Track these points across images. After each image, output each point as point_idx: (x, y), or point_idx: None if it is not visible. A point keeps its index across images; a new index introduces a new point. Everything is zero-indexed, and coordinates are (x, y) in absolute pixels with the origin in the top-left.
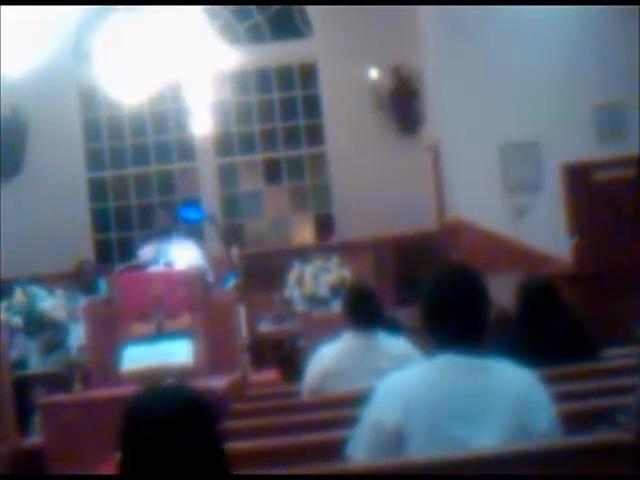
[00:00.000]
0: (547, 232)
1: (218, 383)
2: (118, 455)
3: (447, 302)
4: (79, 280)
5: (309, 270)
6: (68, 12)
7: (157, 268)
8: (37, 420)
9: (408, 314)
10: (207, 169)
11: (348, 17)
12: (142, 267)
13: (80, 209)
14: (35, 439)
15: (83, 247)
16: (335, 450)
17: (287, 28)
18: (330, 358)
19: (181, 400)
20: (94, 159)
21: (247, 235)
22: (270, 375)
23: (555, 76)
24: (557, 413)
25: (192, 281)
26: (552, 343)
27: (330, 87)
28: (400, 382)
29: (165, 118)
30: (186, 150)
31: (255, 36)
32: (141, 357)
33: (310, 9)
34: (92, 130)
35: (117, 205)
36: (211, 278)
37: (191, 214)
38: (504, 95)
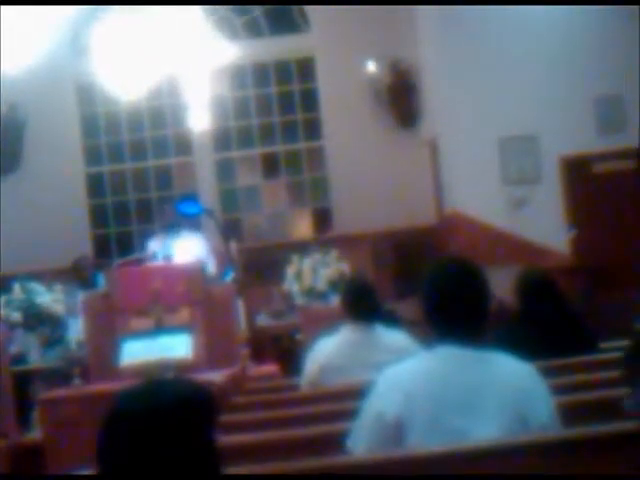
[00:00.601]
0: (546, 225)
1: (217, 377)
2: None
3: (447, 294)
4: (78, 275)
5: (307, 264)
6: (65, 8)
7: (156, 262)
8: (37, 415)
9: (406, 307)
10: (205, 164)
11: (345, 11)
12: (140, 261)
13: (78, 204)
14: (35, 434)
15: (81, 242)
16: (335, 443)
17: (284, 22)
18: (329, 351)
19: (168, 394)
20: (92, 154)
21: (245, 229)
22: (269, 369)
23: (554, 69)
24: (556, 405)
25: (191, 276)
26: (550, 335)
27: (328, 81)
28: (400, 374)
29: (163, 113)
30: (184, 145)
31: (252, 30)
32: (140, 352)
33: (308, 3)
34: (90, 125)
35: (115, 200)
36: (215, 270)
37: (189, 209)
38: (502, 88)
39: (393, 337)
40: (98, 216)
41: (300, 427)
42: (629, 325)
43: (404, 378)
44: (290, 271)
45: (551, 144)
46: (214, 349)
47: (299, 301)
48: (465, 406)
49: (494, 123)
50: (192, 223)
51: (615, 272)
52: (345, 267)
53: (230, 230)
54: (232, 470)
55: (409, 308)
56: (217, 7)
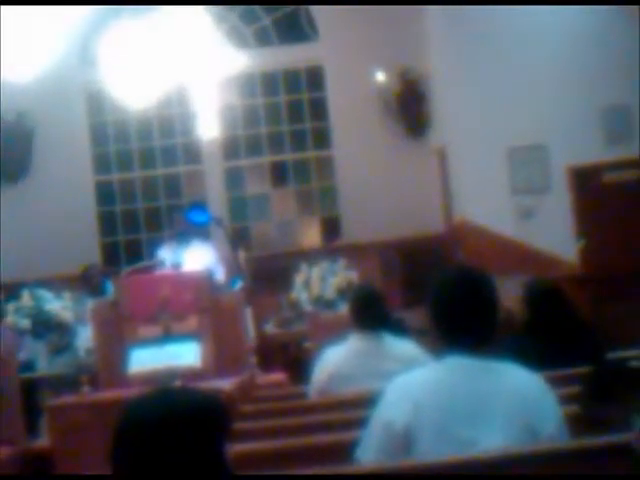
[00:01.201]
0: (554, 234)
1: (226, 385)
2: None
3: (455, 304)
4: (87, 283)
5: (316, 272)
6: (75, 16)
7: (165, 271)
8: (44, 422)
9: (414, 316)
10: (214, 172)
11: (355, 20)
12: (149, 269)
13: (87, 212)
14: (42, 441)
15: (90, 250)
16: (343, 451)
17: (294, 31)
18: (337, 360)
19: (178, 404)
20: (101, 163)
21: (254, 238)
22: (277, 377)
23: (562, 78)
24: (564, 415)
25: (199, 284)
26: (558, 345)
27: (337, 90)
28: (409, 383)
29: (172, 121)
30: (193, 153)
31: (262, 39)
32: (148, 359)
33: (317, 12)
34: (99, 134)
35: (124, 208)
36: (223, 279)
37: (198, 217)
38: (511, 98)
39: (401, 346)
40: (107, 224)
41: (308, 435)
42: (638, 335)
43: (413, 388)
44: (298, 279)
45: (560, 154)
46: (222, 357)
47: (307, 309)
48: (473, 416)
49: (502, 132)
50: (201, 232)
51: (623, 282)
52: (353, 276)
53: (239, 238)
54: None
55: (417, 317)
56: (227, 16)
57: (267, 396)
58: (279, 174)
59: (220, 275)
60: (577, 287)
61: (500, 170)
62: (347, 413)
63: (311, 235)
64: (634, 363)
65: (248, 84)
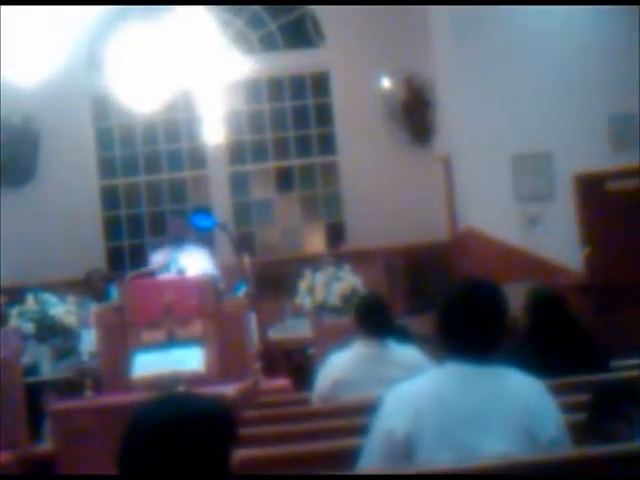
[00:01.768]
0: (559, 242)
1: (229, 390)
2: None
3: (459, 312)
4: (91, 287)
5: (320, 278)
6: (81, 21)
7: (169, 275)
8: (48, 426)
9: (419, 323)
10: (219, 177)
11: (361, 26)
12: (153, 274)
13: (92, 216)
14: (46, 445)
15: (95, 254)
16: (346, 458)
17: (300, 37)
18: (341, 366)
19: (182, 409)
20: (106, 167)
21: (258, 243)
22: (281, 383)
23: (568, 86)
24: (566, 423)
25: (203, 289)
26: (559, 353)
27: (342, 96)
28: (408, 391)
29: (177, 126)
30: (198, 158)
31: (268, 45)
32: (152, 364)
33: (323, 18)
34: (104, 138)
35: (129, 212)
36: (223, 286)
37: (203, 222)
38: (516, 105)
39: (405, 353)
40: (112, 228)
41: (311, 442)
42: None
43: (412, 396)
44: (303, 285)
45: (564, 161)
46: (226, 362)
47: (312, 316)
48: (474, 422)
49: (508, 140)
50: (205, 237)
51: (628, 290)
52: (358, 282)
53: (243, 244)
54: None
55: (421, 324)
56: (233, 21)
57: (270, 402)
58: (284, 179)
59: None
60: (581, 295)
61: (505, 178)
62: (351, 420)
63: (315, 241)
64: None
65: (254, 89)
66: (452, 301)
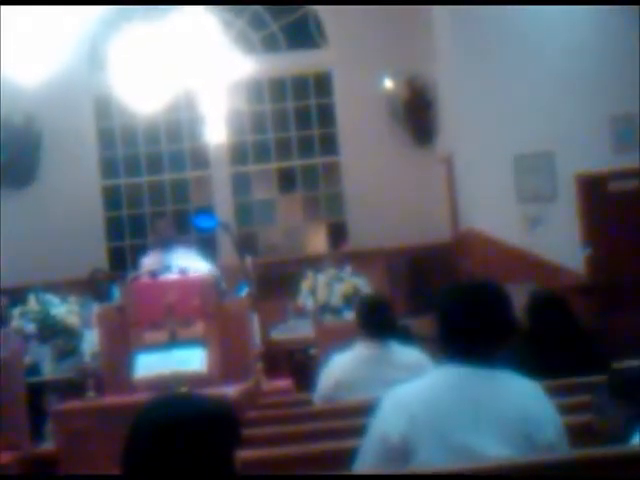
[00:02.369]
0: (561, 243)
1: (231, 391)
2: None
3: (457, 313)
4: (93, 287)
5: (322, 279)
6: (83, 21)
7: (170, 276)
8: (50, 427)
9: (420, 324)
10: (221, 177)
11: (363, 27)
12: (155, 275)
13: (94, 216)
14: (48, 446)
15: (97, 255)
16: (348, 459)
17: (302, 37)
18: (343, 367)
19: (186, 409)
20: (108, 167)
21: (260, 244)
22: (283, 383)
23: (570, 86)
24: (566, 425)
25: (206, 289)
26: (559, 354)
27: (345, 97)
28: (405, 394)
29: (179, 127)
30: (200, 159)
31: (270, 45)
32: (154, 365)
33: (325, 19)
34: (106, 138)
35: (131, 213)
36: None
37: (205, 222)
38: (518, 106)
39: (408, 353)
40: (114, 229)
41: (313, 443)
42: None
43: (408, 398)
44: (305, 286)
45: (566, 162)
46: (228, 363)
47: (314, 316)
48: (471, 425)
49: (509, 141)
50: (207, 237)
51: (630, 291)
52: (360, 282)
53: (245, 244)
54: None
55: (423, 324)
56: (235, 22)
57: (273, 403)
58: (286, 180)
59: None
60: (583, 295)
61: (507, 178)
62: (353, 421)
63: (318, 241)
64: None
65: (256, 90)
66: (452, 302)
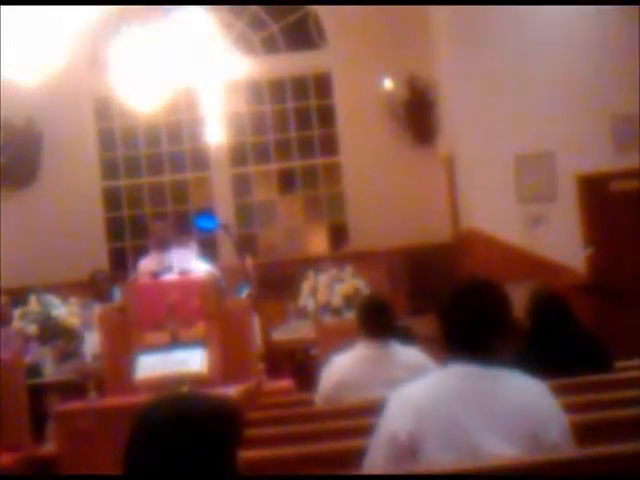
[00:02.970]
0: (562, 243)
1: (232, 392)
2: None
3: (458, 312)
4: (94, 288)
5: (323, 280)
6: (83, 22)
7: (171, 277)
8: (51, 428)
9: (421, 324)
10: (221, 179)
11: (363, 27)
12: (156, 276)
13: (95, 218)
14: (49, 447)
15: (97, 256)
16: (350, 459)
17: (302, 38)
18: (344, 368)
19: (188, 408)
20: (109, 168)
21: (261, 244)
22: (284, 384)
23: (570, 86)
24: (569, 424)
25: (207, 290)
26: (561, 354)
27: (345, 97)
28: (412, 392)
29: (180, 128)
30: (200, 160)
31: (270, 46)
32: (155, 366)
33: (325, 19)
34: (107, 139)
35: (131, 214)
36: (224, 284)
37: (205, 223)
38: (519, 106)
39: (408, 354)
40: (114, 230)
41: (314, 443)
42: None
43: (415, 396)
44: (305, 286)
45: (567, 162)
46: (229, 364)
47: (314, 317)
48: (477, 423)
49: (510, 140)
50: (207, 238)
51: (631, 291)
52: (360, 283)
53: (246, 245)
54: None
55: (424, 325)
56: (235, 23)
57: (274, 403)
58: (286, 181)
59: None
60: (584, 295)
61: (507, 178)
62: (354, 421)
63: (318, 242)
64: None
65: (256, 91)
66: (453, 302)
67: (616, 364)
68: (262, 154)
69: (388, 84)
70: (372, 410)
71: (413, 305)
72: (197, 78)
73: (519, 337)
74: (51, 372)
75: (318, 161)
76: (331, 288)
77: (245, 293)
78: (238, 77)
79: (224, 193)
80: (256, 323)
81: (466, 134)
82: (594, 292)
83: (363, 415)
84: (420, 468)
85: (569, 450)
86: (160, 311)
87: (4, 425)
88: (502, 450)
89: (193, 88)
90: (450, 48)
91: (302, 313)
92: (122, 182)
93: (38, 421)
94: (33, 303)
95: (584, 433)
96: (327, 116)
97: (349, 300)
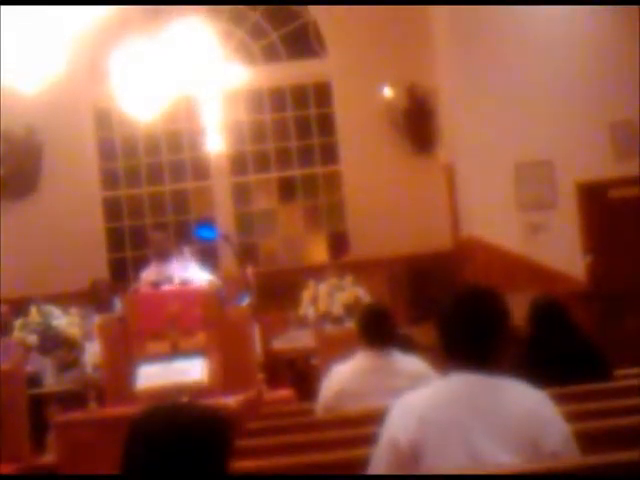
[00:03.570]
0: (562, 250)
1: (233, 401)
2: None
3: (457, 320)
4: (95, 298)
5: (323, 288)
6: (83, 32)
7: (172, 286)
8: (51, 438)
9: (422, 332)
10: (221, 188)
11: (363, 36)
12: (156, 286)
13: (95, 228)
14: (49, 457)
15: (97, 266)
16: (350, 469)
17: (301, 47)
18: (345, 377)
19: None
20: (109, 178)
21: (261, 253)
22: (284, 393)
23: (570, 94)
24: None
25: (207, 300)
26: (561, 362)
27: (344, 106)
28: (414, 401)
29: (179, 137)
30: (200, 169)
31: (270, 55)
32: (156, 375)
33: (324, 28)
34: (107, 149)
35: (132, 224)
36: (224, 293)
37: (205, 233)
38: (518, 113)
39: (409, 362)
40: (115, 240)
41: (315, 452)
42: None
43: (417, 404)
44: (306, 295)
45: (567, 169)
46: (230, 373)
47: (315, 326)
48: (478, 431)
49: (510, 148)
50: (208, 247)
51: (631, 298)
52: (361, 292)
53: (246, 254)
54: None
55: (424, 333)
56: (235, 32)
57: (274, 413)
58: (286, 190)
59: None
60: (584, 303)
61: (507, 186)
62: (354, 430)
63: (318, 251)
64: None
65: (256, 100)
66: (451, 310)
67: (616, 372)
68: (262, 163)
69: (388, 93)
70: (373, 419)
71: (414, 313)
72: (197, 87)
73: (518, 345)
74: (51, 382)
75: (318, 170)
76: (331, 297)
77: (245, 302)
78: (238, 86)
79: (224, 202)
80: (256, 332)
81: (466, 142)
82: (594, 299)
83: (364, 424)
84: (421, 476)
85: (571, 458)
86: (160, 321)
87: (4, 435)
88: (503, 458)
89: (193, 97)
90: (450, 56)
91: (302, 322)
92: (122, 192)
93: (38, 431)
94: (33, 313)
95: (584, 441)
96: (327, 125)
97: (349, 309)
